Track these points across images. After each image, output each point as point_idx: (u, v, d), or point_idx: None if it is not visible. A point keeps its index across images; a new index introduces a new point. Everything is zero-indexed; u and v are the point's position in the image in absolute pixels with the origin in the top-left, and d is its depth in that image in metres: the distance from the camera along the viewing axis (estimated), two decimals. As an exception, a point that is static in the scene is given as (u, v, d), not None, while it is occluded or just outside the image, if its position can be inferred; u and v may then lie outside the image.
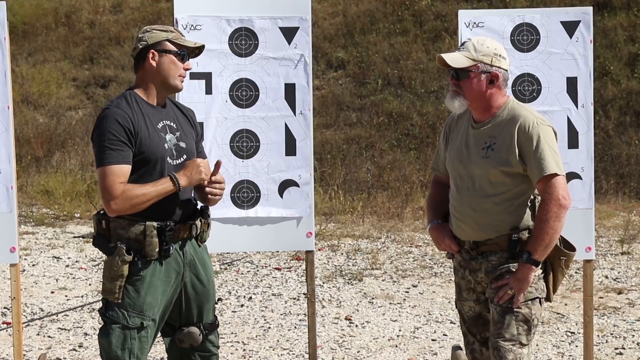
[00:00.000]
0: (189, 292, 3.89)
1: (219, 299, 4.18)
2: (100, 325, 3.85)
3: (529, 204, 3.79)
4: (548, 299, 3.88)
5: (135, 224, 3.71)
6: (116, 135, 3.66)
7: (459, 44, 3.82)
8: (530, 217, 3.78)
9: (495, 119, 3.79)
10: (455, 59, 3.73)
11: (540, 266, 3.79)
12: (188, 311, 3.91)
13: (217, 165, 3.87)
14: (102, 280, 3.80)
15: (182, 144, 3.84)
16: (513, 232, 3.75)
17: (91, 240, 3.98)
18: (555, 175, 3.67)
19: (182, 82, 3.86)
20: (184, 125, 3.91)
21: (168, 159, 3.77)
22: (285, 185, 5.02)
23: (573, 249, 3.88)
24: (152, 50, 3.77)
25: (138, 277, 3.72)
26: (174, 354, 4.01)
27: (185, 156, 3.84)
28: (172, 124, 3.85)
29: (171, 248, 3.75)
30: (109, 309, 3.75)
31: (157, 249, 3.71)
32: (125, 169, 3.67)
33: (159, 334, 3.95)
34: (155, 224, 3.71)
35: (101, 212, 3.79)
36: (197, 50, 3.90)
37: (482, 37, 3.94)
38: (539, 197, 3.79)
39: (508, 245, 3.76)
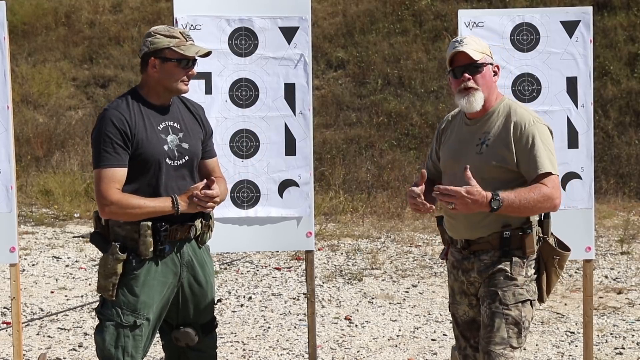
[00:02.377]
0: (186, 293, 3.89)
1: (219, 300, 4.17)
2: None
3: None
4: (541, 299, 3.86)
5: (131, 223, 3.72)
6: (112, 138, 3.68)
7: (454, 42, 3.79)
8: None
9: (489, 115, 3.79)
10: (474, 54, 3.72)
11: (533, 266, 3.78)
12: (185, 311, 3.92)
13: (210, 182, 3.80)
14: (97, 277, 3.82)
15: (185, 145, 3.83)
16: (505, 230, 3.73)
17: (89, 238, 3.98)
18: (550, 174, 3.66)
19: (187, 84, 3.84)
20: (189, 124, 3.90)
21: (167, 160, 3.77)
22: (285, 185, 5.02)
23: (567, 249, 3.86)
24: (153, 58, 3.76)
25: (132, 275, 3.73)
26: (171, 352, 4.02)
27: (187, 157, 3.83)
28: (175, 124, 3.84)
29: (167, 248, 3.75)
30: (104, 306, 3.78)
31: (151, 249, 3.72)
32: (121, 172, 3.69)
33: (157, 333, 3.96)
34: (149, 223, 3.71)
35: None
36: (203, 56, 3.87)
37: (470, 35, 3.97)
38: None
39: (500, 243, 3.74)
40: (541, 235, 3.82)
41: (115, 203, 3.65)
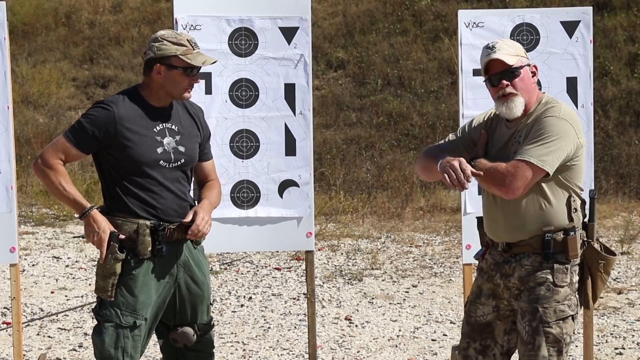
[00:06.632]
0: (183, 293, 3.90)
1: (214, 300, 4.19)
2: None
3: (565, 203, 3.66)
4: (587, 306, 3.76)
5: (129, 223, 3.73)
6: (91, 126, 3.73)
7: (486, 48, 3.68)
8: (566, 217, 3.64)
9: (528, 116, 3.68)
10: (508, 59, 3.63)
11: (577, 272, 3.70)
12: (182, 311, 3.92)
13: (194, 214, 3.83)
14: (95, 278, 3.82)
15: (182, 148, 3.84)
16: (547, 232, 3.62)
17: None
18: (526, 163, 3.53)
19: (190, 92, 3.85)
20: (187, 127, 3.90)
21: (162, 162, 3.78)
22: (285, 185, 5.02)
23: (613, 253, 3.76)
24: (159, 64, 3.76)
25: (131, 275, 3.74)
26: (169, 353, 4.03)
27: (183, 160, 3.84)
28: (173, 126, 3.85)
29: (164, 248, 3.75)
30: (102, 307, 3.77)
31: (149, 248, 3.73)
32: (74, 152, 3.77)
33: (154, 334, 3.96)
34: (148, 222, 3.73)
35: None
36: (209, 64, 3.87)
37: (501, 38, 3.89)
38: (575, 196, 3.68)
39: (541, 246, 3.63)
40: (585, 239, 3.72)
41: (48, 168, 3.74)
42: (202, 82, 4.86)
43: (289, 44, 4.97)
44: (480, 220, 3.92)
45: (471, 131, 3.87)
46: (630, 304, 7.47)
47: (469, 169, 3.56)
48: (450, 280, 8.31)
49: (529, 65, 3.71)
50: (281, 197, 5.01)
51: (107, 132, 3.71)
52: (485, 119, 3.88)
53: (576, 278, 3.70)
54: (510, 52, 3.65)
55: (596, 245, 3.73)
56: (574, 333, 3.74)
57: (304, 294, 7.51)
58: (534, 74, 3.73)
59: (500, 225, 3.73)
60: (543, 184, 3.62)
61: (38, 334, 6.65)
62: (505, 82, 3.64)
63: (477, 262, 4.03)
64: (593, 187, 5.01)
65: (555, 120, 3.59)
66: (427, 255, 9.40)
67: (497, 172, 3.56)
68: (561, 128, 3.59)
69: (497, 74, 3.66)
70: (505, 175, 3.55)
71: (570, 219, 3.66)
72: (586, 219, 3.76)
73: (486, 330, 3.84)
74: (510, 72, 3.65)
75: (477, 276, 3.92)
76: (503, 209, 3.70)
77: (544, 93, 3.82)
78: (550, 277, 3.65)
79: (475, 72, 4.86)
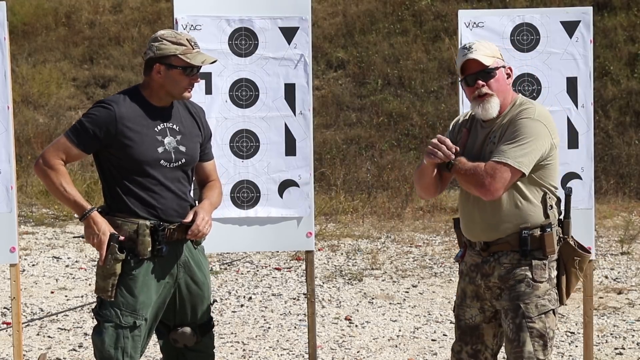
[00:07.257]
0: (183, 293, 3.90)
1: (214, 300, 4.19)
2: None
3: (540, 200, 3.71)
4: (561, 302, 3.81)
5: (129, 223, 3.74)
6: (92, 125, 3.73)
7: (463, 49, 3.74)
8: (542, 214, 3.70)
9: (504, 116, 3.73)
10: (485, 60, 3.68)
11: (555, 267, 3.74)
12: (182, 312, 3.92)
13: (194, 214, 3.83)
14: (95, 278, 3.82)
15: (182, 148, 3.84)
16: (523, 230, 3.67)
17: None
18: (504, 165, 3.59)
19: (190, 91, 3.85)
20: (188, 127, 3.90)
21: (163, 162, 3.78)
22: (285, 185, 5.02)
23: (587, 251, 3.83)
24: (158, 64, 3.76)
25: (131, 276, 3.74)
26: (169, 353, 4.03)
27: (184, 160, 3.84)
28: (174, 126, 3.85)
29: (164, 248, 3.75)
30: (102, 307, 3.78)
31: (149, 248, 3.73)
32: (75, 151, 3.76)
33: (154, 334, 3.96)
34: (148, 223, 3.73)
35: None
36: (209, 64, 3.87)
37: (478, 40, 3.94)
38: (551, 194, 3.73)
39: (519, 244, 3.68)
40: (561, 235, 3.78)
41: (49, 168, 3.74)
42: (202, 82, 4.86)
43: (289, 44, 4.97)
44: (456, 221, 3.96)
45: (449, 136, 3.92)
46: (630, 304, 7.47)
47: (447, 140, 3.70)
48: (450, 280, 8.31)
49: (504, 66, 3.77)
50: (281, 197, 5.01)
51: (108, 132, 3.72)
52: (461, 120, 3.95)
53: (554, 273, 3.75)
54: (486, 53, 3.71)
55: (571, 242, 3.79)
56: (556, 327, 3.79)
57: (304, 294, 7.51)
58: (508, 75, 3.79)
59: (477, 225, 3.78)
60: (518, 182, 3.68)
61: (38, 334, 6.65)
62: (480, 82, 3.70)
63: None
64: (592, 187, 5.02)
65: (529, 121, 3.66)
66: (427, 255, 9.41)
67: (477, 173, 3.62)
68: (535, 129, 3.65)
69: (473, 74, 3.71)
70: (484, 176, 3.60)
71: (546, 216, 3.72)
72: (562, 216, 3.81)
73: (475, 333, 3.87)
74: (486, 73, 3.70)
75: (460, 279, 3.96)
76: (479, 208, 3.74)
77: (518, 94, 3.87)
78: (529, 273, 3.71)
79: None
